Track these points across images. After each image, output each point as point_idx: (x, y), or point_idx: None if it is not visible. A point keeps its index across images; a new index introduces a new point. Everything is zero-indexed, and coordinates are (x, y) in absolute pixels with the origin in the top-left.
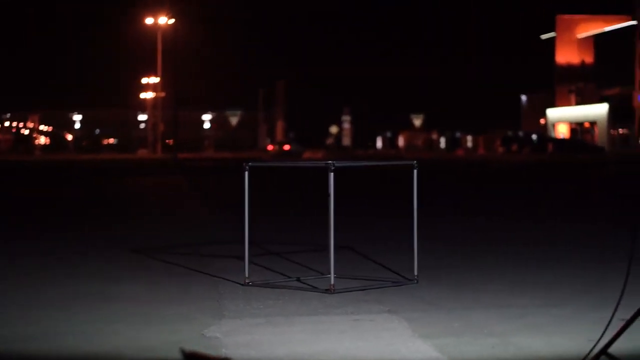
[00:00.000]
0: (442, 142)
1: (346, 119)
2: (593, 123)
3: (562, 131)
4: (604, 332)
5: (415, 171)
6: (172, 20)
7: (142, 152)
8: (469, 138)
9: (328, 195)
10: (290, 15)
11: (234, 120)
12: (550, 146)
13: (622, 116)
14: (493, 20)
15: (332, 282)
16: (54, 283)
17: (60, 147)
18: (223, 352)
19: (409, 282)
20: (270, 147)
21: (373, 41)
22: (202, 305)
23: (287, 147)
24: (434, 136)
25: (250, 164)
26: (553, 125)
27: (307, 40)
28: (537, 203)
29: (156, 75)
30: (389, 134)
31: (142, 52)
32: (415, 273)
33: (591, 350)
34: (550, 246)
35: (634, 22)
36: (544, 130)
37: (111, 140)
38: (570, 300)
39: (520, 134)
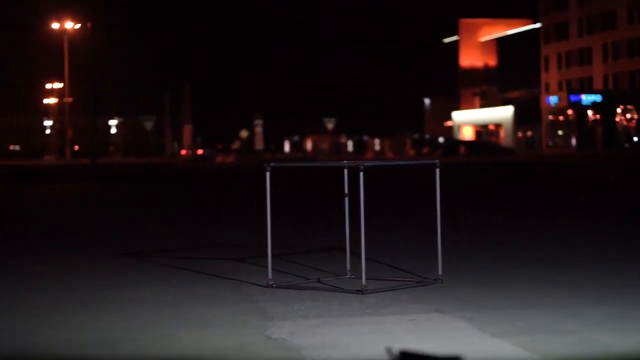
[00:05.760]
0: (350, 145)
1: (258, 123)
2: (498, 125)
3: (468, 134)
4: None
5: (437, 170)
6: (77, 26)
7: (49, 159)
8: (377, 141)
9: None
10: (197, 18)
11: (148, 126)
12: (462, 148)
13: (527, 118)
14: (397, 25)
15: (364, 282)
16: (69, 289)
17: None
18: (303, 354)
19: (433, 282)
20: (183, 152)
21: (286, 46)
22: (239, 308)
23: (200, 151)
24: (342, 139)
25: (272, 164)
26: (458, 128)
27: (215, 43)
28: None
29: (61, 81)
30: (296, 138)
31: (46, 58)
32: (440, 272)
33: None
34: (559, 245)
35: (538, 25)
36: (449, 133)
37: (11, 147)
38: (605, 298)
39: (427, 136)
